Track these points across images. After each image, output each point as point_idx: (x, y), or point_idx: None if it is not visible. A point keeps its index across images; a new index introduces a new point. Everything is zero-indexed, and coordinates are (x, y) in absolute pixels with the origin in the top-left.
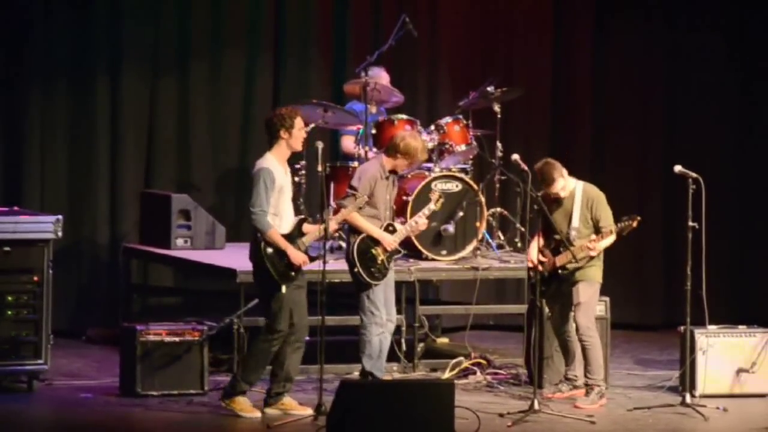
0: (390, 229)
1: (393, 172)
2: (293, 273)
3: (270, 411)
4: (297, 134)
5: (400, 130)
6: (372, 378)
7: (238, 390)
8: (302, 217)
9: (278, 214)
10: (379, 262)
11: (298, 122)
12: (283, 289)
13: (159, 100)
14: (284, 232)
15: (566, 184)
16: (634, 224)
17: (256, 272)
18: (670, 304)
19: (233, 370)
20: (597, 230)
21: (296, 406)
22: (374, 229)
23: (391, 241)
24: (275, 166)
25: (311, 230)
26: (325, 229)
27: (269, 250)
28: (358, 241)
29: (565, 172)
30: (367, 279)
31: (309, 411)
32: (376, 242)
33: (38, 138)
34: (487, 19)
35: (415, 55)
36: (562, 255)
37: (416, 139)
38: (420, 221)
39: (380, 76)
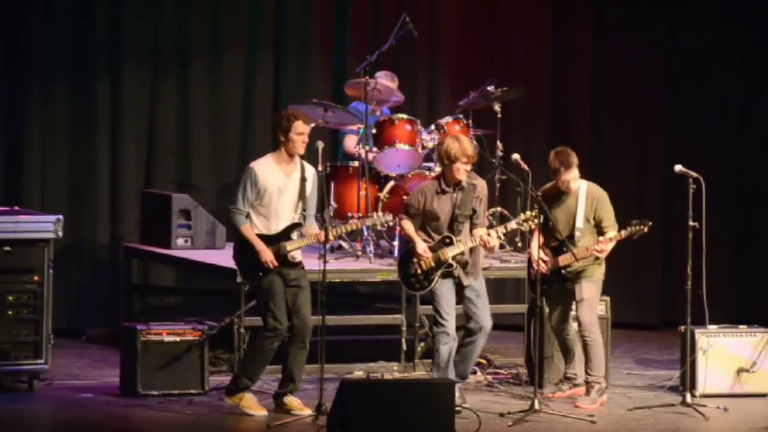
0: (446, 241)
1: (458, 183)
2: (261, 273)
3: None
4: (294, 138)
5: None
6: None
7: (241, 386)
8: (296, 222)
9: (267, 215)
10: (419, 272)
11: (296, 126)
12: (246, 287)
13: (159, 99)
14: (273, 233)
15: (577, 178)
16: (646, 229)
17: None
18: (670, 304)
19: (234, 370)
20: (599, 230)
21: (297, 406)
22: (414, 238)
23: (421, 251)
24: (267, 167)
25: (300, 238)
26: (326, 229)
27: (241, 247)
28: (404, 250)
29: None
30: (406, 288)
31: (309, 411)
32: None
33: (39, 138)
34: (487, 18)
35: (416, 55)
36: (565, 255)
37: (453, 139)
38: (491, 239)
39: (389, 82)
